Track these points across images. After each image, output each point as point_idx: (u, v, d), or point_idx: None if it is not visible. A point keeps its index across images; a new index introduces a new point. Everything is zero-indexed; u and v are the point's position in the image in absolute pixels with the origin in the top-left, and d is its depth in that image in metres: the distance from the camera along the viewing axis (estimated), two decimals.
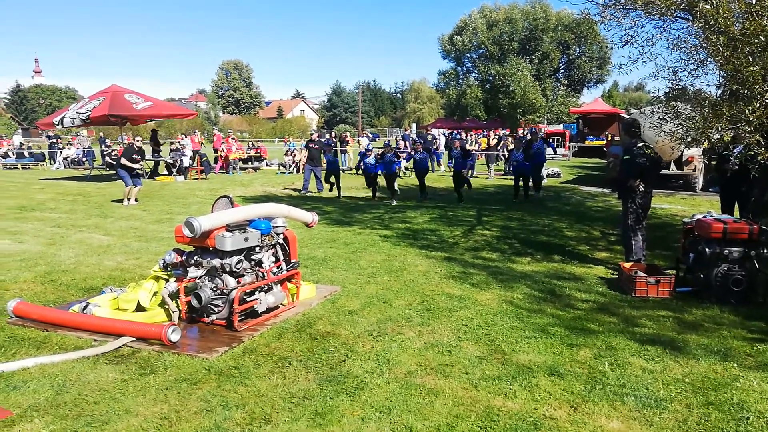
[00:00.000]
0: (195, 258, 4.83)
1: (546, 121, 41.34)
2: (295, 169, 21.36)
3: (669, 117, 6.41)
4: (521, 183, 13.42)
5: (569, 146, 30.26)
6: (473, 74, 47.99)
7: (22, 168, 24.46)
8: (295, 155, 22.04)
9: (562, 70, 47.33)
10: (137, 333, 4.36)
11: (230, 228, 4.67)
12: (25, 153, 26.31)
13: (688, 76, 6.10)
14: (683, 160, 14.46)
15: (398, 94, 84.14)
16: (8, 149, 26.75)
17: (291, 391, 3.61)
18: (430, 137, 23.25)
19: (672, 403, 3.45)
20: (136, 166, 12.67)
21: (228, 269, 4.68)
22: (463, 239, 8.70)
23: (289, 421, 3.24)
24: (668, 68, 6.20)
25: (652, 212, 9.36)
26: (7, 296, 5.44)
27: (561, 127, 34.94)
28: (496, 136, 23.45)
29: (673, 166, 14.31)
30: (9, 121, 59.42)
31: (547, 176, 19.07)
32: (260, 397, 3.52)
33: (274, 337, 4.54)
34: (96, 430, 3.12)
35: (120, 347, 4.27)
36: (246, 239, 4.73)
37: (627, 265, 6.15)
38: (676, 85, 6.24)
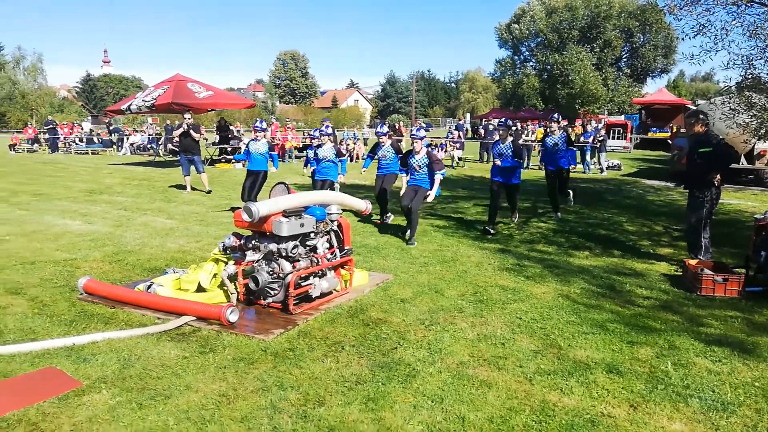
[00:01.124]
0: (253, 242, 4.95)
1: (606, 112, 39.93)
2: (348, 158, 21.54)
3: (742, 108, 6.06)
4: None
5: (631, 138, 29.17)
6: (531, 63, 46.81)
7: (92, 153, 25.73)
8: (348, 144, 22.21)
9: (625, 59, 45.48)
10: (198, 313, 4.52)
11: (287, 214, 4.76)
12: (95, 139, 27.63)
13: (765, 64, 5.74)
14: (755, 153, 13.69)
15: (452, 84, 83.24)
16: (79, 136, 28.18)
17: (344, 375, 3.66)
18: (491, 127, 22.83)
19: (740, 408, 3.28)
20: (196, 135, 12.92)
21: (284, 254, 4.77)
22: (518, 231, 8.54)
23: (342, 404, 3.28)
24: (743, 57, 5.86)
25: (719, 208, 8.91)
26: (78, 274, 5.75)
27: (622, 118, 33.71)
28: None
29: (743, 159, 13.56)
30: (80, 109, 62.55)
31: (607, 168, 18.45)
32: (314, 380, 3.58)
33: (328, 322, 4.60)
34: (159, 403, 3.26)
35: (181, 326, 4.44)
36: (301, 225, 4.81)
37: (692, 262, 5.87)
38: (751, 74, 5.88)
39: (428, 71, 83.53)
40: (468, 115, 54.90)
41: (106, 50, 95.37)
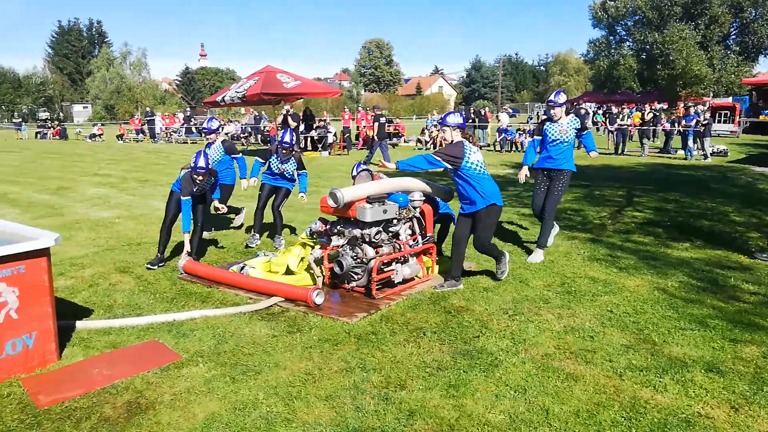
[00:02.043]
0: (338, 227, 5.07)
1: (711, 94, 36.96)
2: (432, 145, 21.43)
3: None
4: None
5: (739, 122, 26.86)
6: (627, 43, 44.13)
7: (191, 143, 27.33)
8: (431, 131, 22.09)
9: (734, 36, 41.73)
10: (286, 294, 4.71)
11: (370, 200, 4.82)
12: (193, 129, 29.30)
13: None
14: None
15: (541, 67, 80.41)
16: (179, 126, 30.00)
17: (425, 360, 3.68)
18: (583, 111, 21.84)
19: None
20: (292, 123, 13.36)
21: (367, 239, 4.85)
22: (611, 221, 8.15)
23: (423, 389, 3.30)
24: None
25: None
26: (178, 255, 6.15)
27: (730, 100, 31.09)
28: (651, 111, 21.44)
29: None
30: (179, 101, 66.61)
31: (711, 154, 17.14)
32: (396, 363, 3.63)
33: (410, 308, 4.63)
34: (250, 378, 3.44)
35: (271, 306, 4.64)
36: (384, 211, 4.86)
37: None
38: None
39: (515, 55, 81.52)
40: None
41: (203, 44, 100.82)
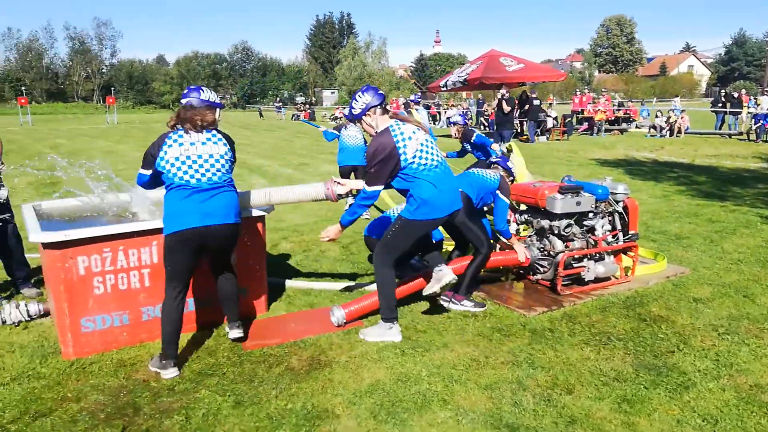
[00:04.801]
0: (525, 217, 4.92)
1: None
2: (668, 132, 19.14)
3: None
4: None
5: None
6: None
7: None
8: (671, 117, 19.69)
9: None
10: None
11: (563, 190, 4.56)
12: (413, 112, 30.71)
13: None
14: None
15: None
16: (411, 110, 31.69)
17: (602, 368, 3.40)
18: None
19: None
20: (506, 108, 13.18)
21: (556, 232, 4.61)
22: None
23: (592, 398, 3.08)
24: None
25: None
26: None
27: None
28: None
29: None
30: (412, 86, 70.22)
31: None
32: (567, 366, 3.44)
33: (597, 309, 4.30)
34: (417, 354, 3.59)
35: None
36: (578, 203, 4.55)
37: None
38: None
39: None
40: None
41: (438, 31, 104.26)
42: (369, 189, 3.62)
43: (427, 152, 3.63)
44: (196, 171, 3.28)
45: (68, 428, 2.83)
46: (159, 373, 3.30)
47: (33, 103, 46.32)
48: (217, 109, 3.46)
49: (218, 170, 3.35)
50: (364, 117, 3.69)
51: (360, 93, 3.69)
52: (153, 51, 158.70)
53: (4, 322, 3.88)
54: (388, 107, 3.78)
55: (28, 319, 3.97)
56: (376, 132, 3.67)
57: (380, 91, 3.69)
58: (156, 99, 59.49)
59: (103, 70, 62.02)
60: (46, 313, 4.03)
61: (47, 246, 3.37)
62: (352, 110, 3.70)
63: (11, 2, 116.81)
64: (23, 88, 46.72)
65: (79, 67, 60.40)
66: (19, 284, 4.63)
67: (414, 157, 3.57)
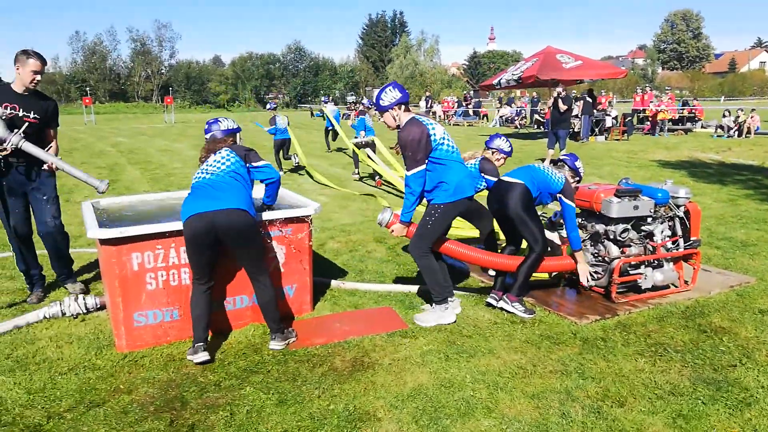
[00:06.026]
0: (579, 220, 4.73)
1: None
2: (736, 133, 18.15)
3: None
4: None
5: None
6: None
7: (467, 126, 28.42)
8: (740, 116, 18.66)
9: None
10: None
11: (619, 193, 4.37)
12: (470, 111, 30.37)
13: None
14: None
15: None
16: (457, 109, 31.39)
17: (657, 380, 3.24)
18: None
19: None
20: (562, 106, 12.70)
21: (611, 237, 4.43)
22: None
23: (645, 411, 2.93)
24: None
25: None
26: None
27: None
28: None
29: None
30: (465, 84, 69.55)
31: None
32: (620, 377, 3.29)
33: (654, 319, 4.10)
34: (462, 359, 3.52)
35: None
36: (635, 207, 4.35)
37: None
38: None
39: None
40: None
41: (493, 28, 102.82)
42: (410, 173, 3.86)
43: (449, 138, 3.96)
44: (203, 171, 3.65)
45: (120, 419, 2.93)
46: (191, 360, 3.43)
47: (96, 102, 48.50)
48: (237, 134, 3.89)
49: (220, 167, 3.60)
50: (390, 110, 3.92)
51: (391, 87, 3.93)
52: (209, 52, 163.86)
53: (63, 314, 4.06)
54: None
55: (86, 312, 4.14)
56: (397, 125, 3.94)
57: (406, 90, 3.99)
58: (212, 99, 61.23)
59: (162, 71, 64.32)
60: (102, 307, 4.19)
61: (103, 242, 3.50)
62: (380, 101, 3.92)
63: (78, 7, 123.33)
64: (88, 88, 49.07)
65: (139, 68, 62.86)
66: (61, 280, 4.71)
67: (442, 139, 3.88)
